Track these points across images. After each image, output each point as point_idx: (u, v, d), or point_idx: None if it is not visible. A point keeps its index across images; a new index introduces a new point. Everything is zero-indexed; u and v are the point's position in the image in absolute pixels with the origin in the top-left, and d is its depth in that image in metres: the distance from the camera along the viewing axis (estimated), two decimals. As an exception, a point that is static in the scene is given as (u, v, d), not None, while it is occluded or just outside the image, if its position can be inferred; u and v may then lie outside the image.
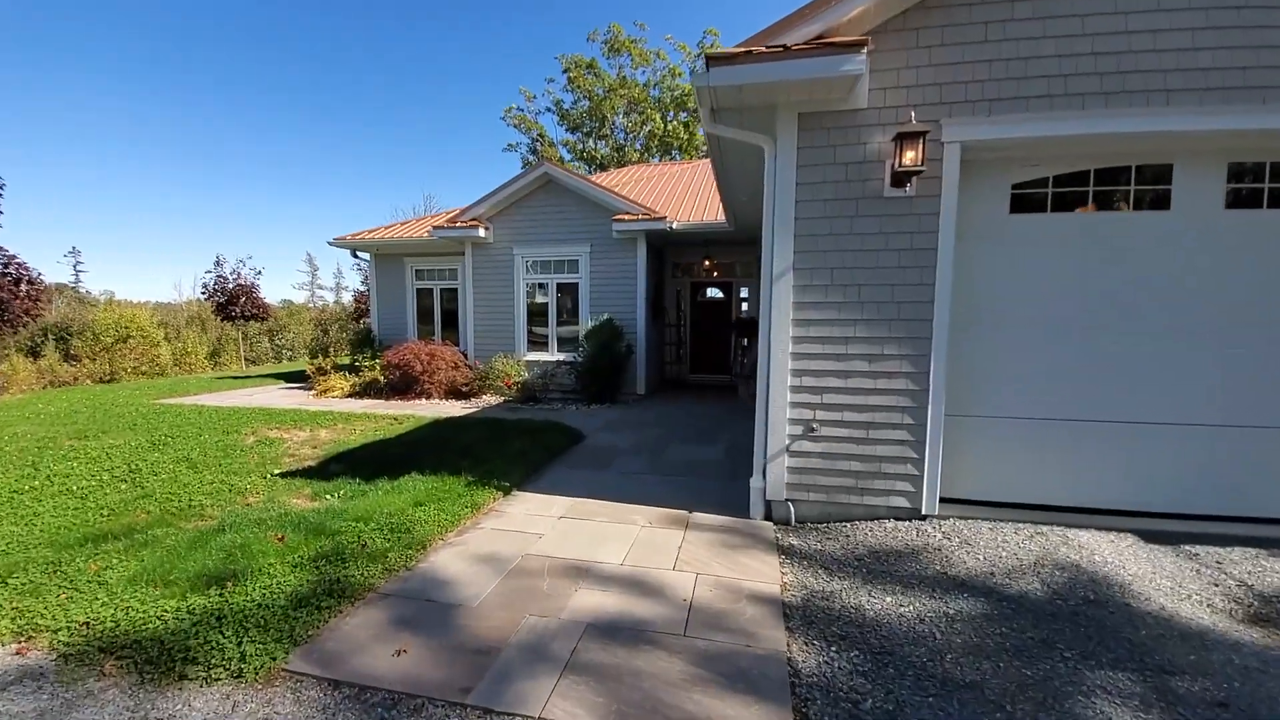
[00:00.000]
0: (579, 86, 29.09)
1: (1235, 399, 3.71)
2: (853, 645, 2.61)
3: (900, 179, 3.64)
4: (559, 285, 10.55)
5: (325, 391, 10.72)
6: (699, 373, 12.69)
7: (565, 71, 29.56)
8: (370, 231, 12.46)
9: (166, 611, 2.77)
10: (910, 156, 3.52)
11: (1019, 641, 2.62)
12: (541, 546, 3.63)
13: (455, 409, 9.15)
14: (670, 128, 28.64)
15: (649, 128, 28.98)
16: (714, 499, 4.62)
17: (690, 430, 7.35)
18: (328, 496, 4.62)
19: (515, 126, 31.10)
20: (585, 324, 9.81)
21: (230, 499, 4.70)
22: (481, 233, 10.30)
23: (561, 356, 10.40)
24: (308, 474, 5.36)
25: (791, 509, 4.08)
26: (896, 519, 3.98)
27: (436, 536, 3.71)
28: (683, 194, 12.00)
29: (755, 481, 4.18)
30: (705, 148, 28.90)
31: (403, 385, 10.26)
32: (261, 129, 67.35)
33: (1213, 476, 3.78)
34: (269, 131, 67.84)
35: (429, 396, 10.11)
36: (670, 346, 12.67)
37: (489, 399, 10.09)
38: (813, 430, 3.99)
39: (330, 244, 12.48)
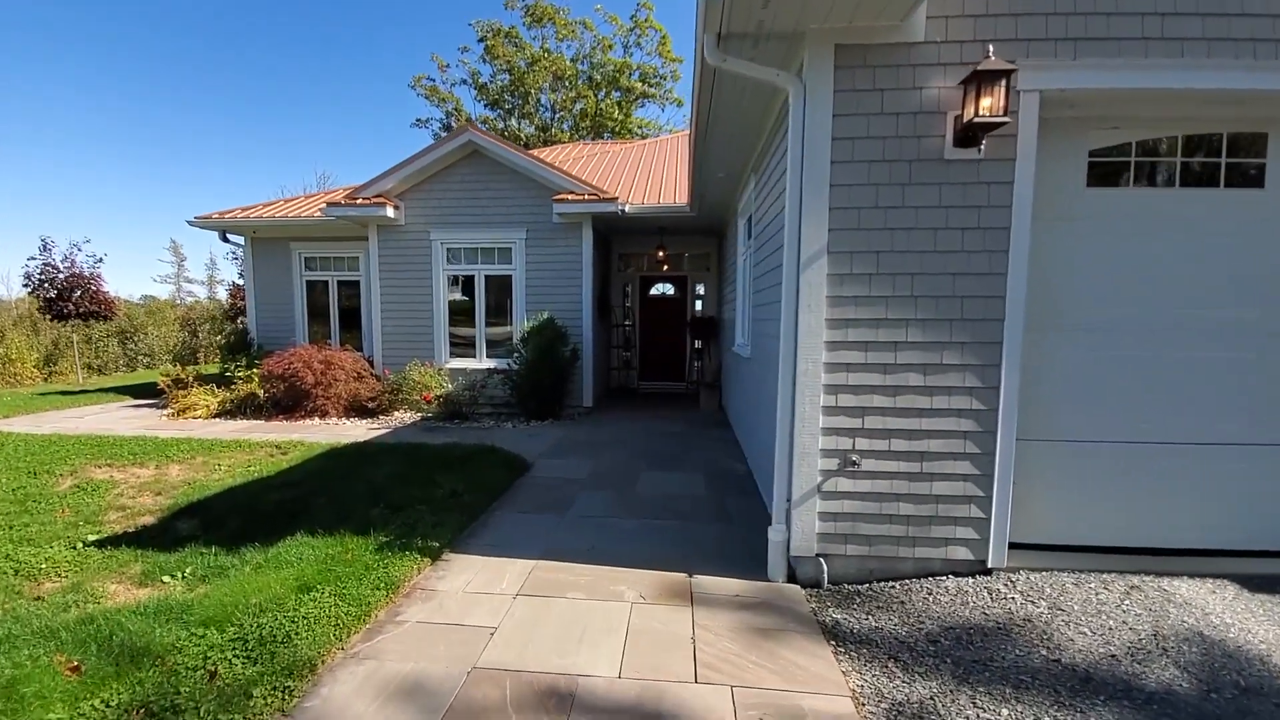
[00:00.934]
0: (498, 57, 27.59)
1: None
2: (994, 809, 1.85)
3: (972, 134, 2.97)
4: (488, 278, 9.41)
5: (185, 410, 9.02)
6: (650, 379, 11.89)
7: (482, 40, 27.95)
8: (246, 209, 10.74)
9: None
10: (987, 104, 2.85)
11: (1214, 780, 1.96)
12: (496, 652, 2.65)
13: (359, 431, 7.84)
14: (604, 106, 27.74)
15: (580, 106, 27.93)
16: (712, 550, 3.81)
17: (656, 452, 6.51)
18: (166, 579, 3.40)
19: (426, 98, 29.14)
20: (521, 324, 8.74)
21: (13, 586, 3.39)
22: (390, 212, 8.98)
23: (492, 364, 9.27)
24: (141, 539, 4.06)
25: (824, 566, 3.33)
26: (956, 574, 3.32)
27: (333, 645, 2.65)
28: (630, 176, 11.17)
29: (775, 532, 3.40)
30: (642, 131, 28.47)
31: (289, 401, 8.78)
32: (125, 95, 60.42)
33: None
34: (131, 99, 60.98)
35: (324, 415, 8.69)
36: (617, 350, 11.80)
37: (402, 416, 8.81)
38: (853, 464, 3.25)
39: (192, 224, 10.65)
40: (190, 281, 38.82)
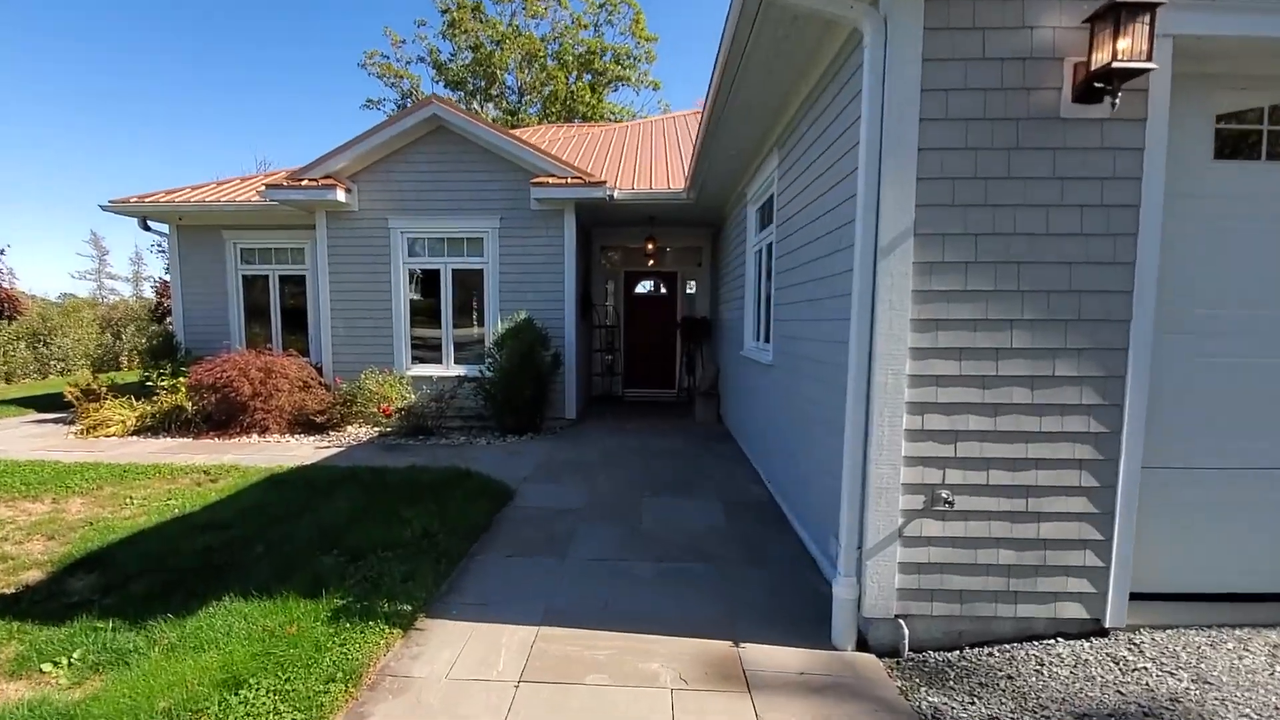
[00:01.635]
0: (461, 30, 26.68)
1: None
2: None
3: (1101, 84, 2.48)
4: (456, 273, 8.70)
5: (96, 427, 8.09)
6: (637, 386, 11.30)
7: (443, 13, 27.02)
8: (170, 192, 9.80)
9: None
10: (1125, 46, 2.37)
11: None
12: (500, 776, 2.05)
13: (305, 450, 7.07)
14: (575, 89, 27.09)
15: (550, 88, 27.21)
16: (753, 605, 3.27)
17: (658, 473, 5.94)
18: (48, 667, 2.69)
19: (379, 77, 28.03)
20: (495, 326, 8.07)
21: None
22: (342, 196, 8.21)
23: (462, 371, 8.56)
24: (22, 605, 3.31)
25: (904, 630, 2.81)
26: (1064, 636, 2.84)
27: (273, 777, 2.01)
28: (615, 160, 10.57)
29: (843, 589, 2.85)
30: (615, 116, 27.91)
31: (222, 415, 7.94)
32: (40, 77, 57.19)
33: None
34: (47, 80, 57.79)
35: (264, 431, 7.88)
36: (600, 354, 11.18)
37: (357, 432, 8.05)
38: (944, 502, 2.73)
39: (107, 209, 9.65)
40: (113, 278, 36.85)
